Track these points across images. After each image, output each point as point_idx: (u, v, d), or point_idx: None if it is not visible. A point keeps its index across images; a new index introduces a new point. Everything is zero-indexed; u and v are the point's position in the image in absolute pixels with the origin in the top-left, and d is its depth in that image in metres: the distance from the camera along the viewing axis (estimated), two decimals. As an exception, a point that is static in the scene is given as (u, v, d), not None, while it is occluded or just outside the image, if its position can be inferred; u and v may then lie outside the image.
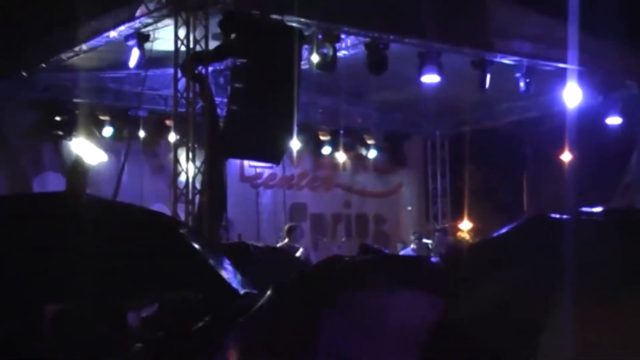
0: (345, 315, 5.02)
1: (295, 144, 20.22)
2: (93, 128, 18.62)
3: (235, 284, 6.75)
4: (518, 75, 17.57)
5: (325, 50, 15.58)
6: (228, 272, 6.87)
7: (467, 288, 4.63)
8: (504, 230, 4.91)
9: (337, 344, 4.95)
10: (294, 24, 14.47)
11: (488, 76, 16.91)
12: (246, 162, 19.96)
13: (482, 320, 4.26)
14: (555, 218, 4.78)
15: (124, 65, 16.14)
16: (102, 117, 18.72)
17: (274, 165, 18.12)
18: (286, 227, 17.14)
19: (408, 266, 5.94)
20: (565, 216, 4.80)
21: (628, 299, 3.96)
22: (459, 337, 4.35)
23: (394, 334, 4.89)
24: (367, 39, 15.94)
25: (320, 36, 15.40)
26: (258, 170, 20.56)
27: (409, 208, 23.44)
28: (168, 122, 17.92)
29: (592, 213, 4.81)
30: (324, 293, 5.16)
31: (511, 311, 4.18)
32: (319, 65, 15.69)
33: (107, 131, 18.67)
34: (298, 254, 15.15)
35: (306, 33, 15.09)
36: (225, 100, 14.88)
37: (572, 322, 3.91)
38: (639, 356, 3.85)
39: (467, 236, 21.13)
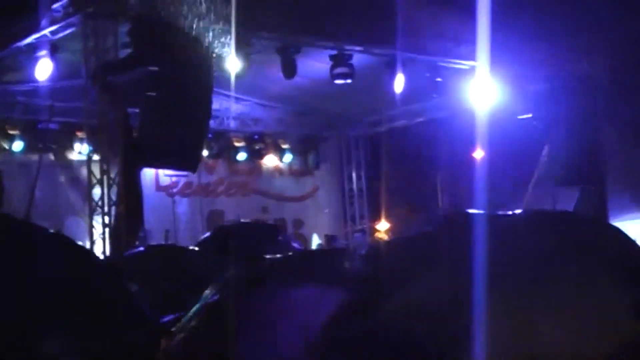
0: (263, 314, 4.99)
1: (210, 151, 20.16)
2: (2, 142, 18.24)
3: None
4: (430, 74, 17.74)
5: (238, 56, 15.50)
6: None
7: (386, 285, 4.62)
8: (423, 227, 4.92)
9: (256, 344, 4.91)
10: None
11: (401, 76, 17.02)
12: (161, 172, 19.75)
13: (401, 317, 4.25)
14: (475, 214, 4.81)
15: (32, 77, 15.81)
16: (11, 132, 18.32)
17: (190, 174, 17.97)
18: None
19: (324, 261, 5.92)
20: (484, 212, 4.83)
21: (549, 296, 3.98)
22: (377, 334, 4.34)
23: (305, 330, 4.87)
24: (279, 44, 15.93)
25: (231, 41, 15.30)
26: (174, 179, 20.36)
27: (326, 211, 23.48)
28: (80, 134, 17.64)
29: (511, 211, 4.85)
30: (246, 294, 5.12)
31: (432, 308, 4.17)
32: (231, 70, 15.60)
33: (18, 145, 18.27)
34: None
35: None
36: (138, 110, 14.69)
37: (492, 318, 3.91)
38: (562, 351, 3.87)
39: (384, 236, 21.22)
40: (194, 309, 5.44)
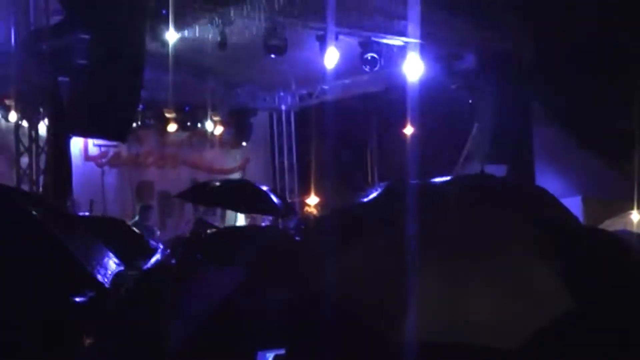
0: (193, 293, 5.01)
1: (140, 121, 20.00)
2: None
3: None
4: (362, 49, 17.80)
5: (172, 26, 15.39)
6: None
7: (325, 259, 4.63)
8: (362, 199, 4.93)
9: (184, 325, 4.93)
10: (139, -1, 14.26)
11: (333, 50, 17.04)
12: (90, 141, 19.56)
13: (337, 288, 4.27)
14: (416, 183, 4.83)
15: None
16: None
17: (119, 143, 17.82)
18: (139, 205, 17.04)
19: (256, 238, 5.94)
20: (426, 181, 4.86)
21: (489, 263, 4.03)
22: (318, 310, 4.36)
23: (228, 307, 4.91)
24: (211, 14, 15.83)
25: (164, 11, 15.17)
26: (103, 149, 20.16)
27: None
28: (8, 102, 17.36)
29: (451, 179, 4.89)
30: (181, 272, 5.13)
31: (372, 280, 4.19)
32: (164, 40, 15.48)
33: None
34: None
35: (150, 8, 14.86)
36: (67, 78, 14.50)
37: (435, 288, 3.95)
38: (504, 318, 3.92)
39: (314, 211, 21.28)
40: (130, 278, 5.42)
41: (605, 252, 4.54)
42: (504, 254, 4.03)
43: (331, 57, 17.10)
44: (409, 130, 22.09)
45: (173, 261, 5.43)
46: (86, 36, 13.71)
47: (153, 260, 5.49)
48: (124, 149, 20.15)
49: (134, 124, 19.57)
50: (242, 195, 13.56)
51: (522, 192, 4.93)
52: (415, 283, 3.92)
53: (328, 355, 4.19)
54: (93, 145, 19.90)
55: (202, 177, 22.33)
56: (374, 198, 4.83)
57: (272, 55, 16.67)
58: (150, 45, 15.37)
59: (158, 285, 5.15)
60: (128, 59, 13.78)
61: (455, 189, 4.52)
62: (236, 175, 22.99)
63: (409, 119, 21.94)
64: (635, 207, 18.99)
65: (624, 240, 5.09)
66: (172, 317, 4.95)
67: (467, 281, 3.90)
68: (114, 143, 18.56)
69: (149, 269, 5.43)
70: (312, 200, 21.95)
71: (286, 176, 23.82)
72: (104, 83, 13.77)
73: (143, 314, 5.12)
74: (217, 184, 14.56)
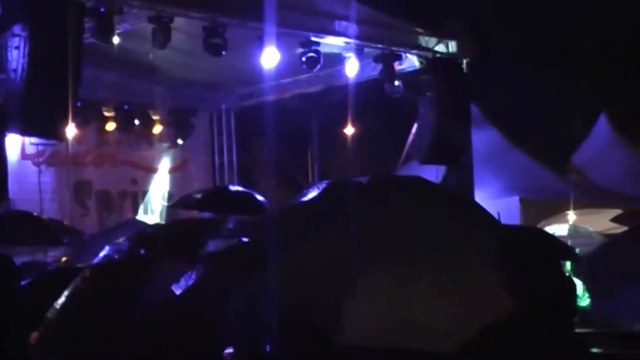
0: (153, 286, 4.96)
1: (79, 120, 19.75)
2: None
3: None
4: (303, 48, 17.80)
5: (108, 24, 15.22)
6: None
7: (268, 257, 4.61)
8: (306, 196, 4.90)
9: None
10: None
11: (273, 50, 17.01)
12: (27, 140, 19.26)
13: (281, 285, 4.24)
14: (357, 181, 4.83)
15: None
16: None
17: (57, 142, 17.59)
18: None
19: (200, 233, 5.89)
20: (366, 180, 4.86)
21: (431, 261, 4.04)
22: (258, 302, 4.33)
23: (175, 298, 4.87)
24: (152, 12, 15.71)
25: (102, 9, 15.02)
26: (40, 148, 19.86)
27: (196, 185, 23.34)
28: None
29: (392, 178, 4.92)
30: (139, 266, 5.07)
31: (315, 278, 4.17)
32: (101, 38, 15.31)
33: None
34: None
35: (88, 5, 14.69)
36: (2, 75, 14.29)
37: (379, 286, 3.95)
38: (444, 314, 3.94)
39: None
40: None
41: (541, 252, 4.59)
42: (446, 255, 4.05)
43: (270, 57, 17.06)
44: (349, 130, 22.17)
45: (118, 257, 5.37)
46: (22, 33, 13.54)
47: (101, 256, 5.42)
48: (61, 148, 19.85)
49: (72, 122, 19.37)
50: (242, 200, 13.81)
51: (455, 195, 4.97)
52: (357, 284, 3.91)
53: (275, 353, 4.17)
54: (30, 143, 19.60)
55: (141, 176, 22.18)
56: (314, 198, 4.82)
57: (212, 55, 16.57)
58: (89, 43, 15.21)
59: (107, 282, 5.09)
60: (65, 56, 13.62)
61: (394, 190, 4.53)
62: (176, 175, 22.88)
63: (349, 118, 22.02)
64: (571, 208, 19.29)
65: (559, 243, 5.17)
66: (124, 314, 4.90)
67: (410, 284, 3.90)
68: (51, 141, 18.29)
69: (96, 265, 5.36)
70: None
71: (226, 176, 23.69)
72: (40, 80, 13.59)
73: (92, 310, 5.07)
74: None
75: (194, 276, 4.98)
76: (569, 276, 5.66)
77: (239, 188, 16.30)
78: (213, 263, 5.07)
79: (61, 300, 5.25)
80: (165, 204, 22.43)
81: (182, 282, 4.98)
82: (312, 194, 4.86)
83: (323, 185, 4.90)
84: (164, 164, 22.69)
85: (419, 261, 4.09)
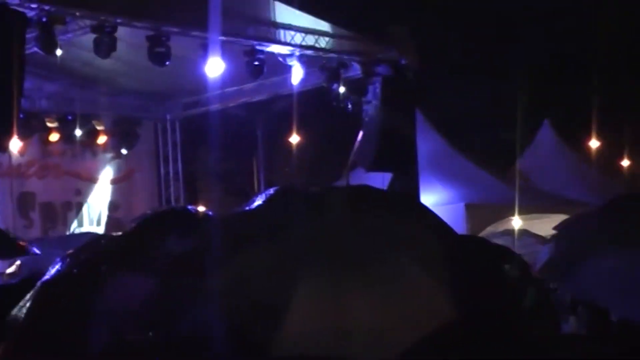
0: (111, 298, 4.90)
1: (21, 131, 19.52)
2: None
3: None
4: (247, 57, 17.78)
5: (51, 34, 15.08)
6: None
7: (206, 265, 4.59)
8: (251, 204, 4.89)
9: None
10: (16, 7, 13.92)
11: (217, 59, 16.96)
12: (-31, 152, 19.04)
13: (220, 297, 4.23)
14: (304, 189, 4.82)
15: None
16: None
17: (2, 153, 17.36)
18: None
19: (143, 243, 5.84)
20: (314, 188, 4.86)
21: (374, 271, 4.04)
22: (194, 314, 4.31)
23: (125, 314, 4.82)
24: (95, 22, 15.59)
25: (44, 19, 14.88)
26: (-18, 159, 19.65)
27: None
28: None
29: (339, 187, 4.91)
30: (94, 275, 4.99)
31: (258, 288, 4.16)
32: (44, 49, 15.16)
33: None
34: None
35: (30, 15, 14.54)
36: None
37: (313, 298, 3.94)
38: (382, 322, 3.93)
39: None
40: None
41: (483, 260, 4.62)
42: (387, 263, 4.05)
43: (215, 66, 17.01)
44: (294, 138, 22.19)
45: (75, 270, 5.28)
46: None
47: (53, 270, 5.33)
48: (4, 159, 19.64)
49: (15, 134, 19.15)
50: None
51: (401, 201, 4.98)
52: (294, 293, 3.91)
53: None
54: (-27, 155, 19.37)
55: (85, 187, 21.99)
56: (258, 206, 4.80)
57: (156, 64, 16.49)
58: (31, 53, 15.07)
59: (62, 295, 5.01)
60: (7, 68, 13.48)
61: (337, 198, 4.53)
62: (122, 185, 22.72)
63: (294, 127, 22.04)
64: (516, 213, 19.48)
65: (501, 248, 5.21)
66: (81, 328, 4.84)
67: (347, 291, 3.90)
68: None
69: (49, 279, 5.26)
70: (199, 209, 21.76)
71: (172, 185, 23.59)
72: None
73: (48, 324, 4.99)
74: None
75: (144, 286, 4.93)
76: (516, 281, 5.69)
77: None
78: (164, 272, 5.02)
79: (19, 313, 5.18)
80: (110, 214, 22.29)
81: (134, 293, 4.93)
82: (257, 202, 4.85)
83: (269, 193, 4.89)
84: (109, 175, 22.54)
85: (357, 269, 4.07)
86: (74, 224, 21.33)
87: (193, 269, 4.70)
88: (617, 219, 6.42)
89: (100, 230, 21.37)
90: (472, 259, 4.51)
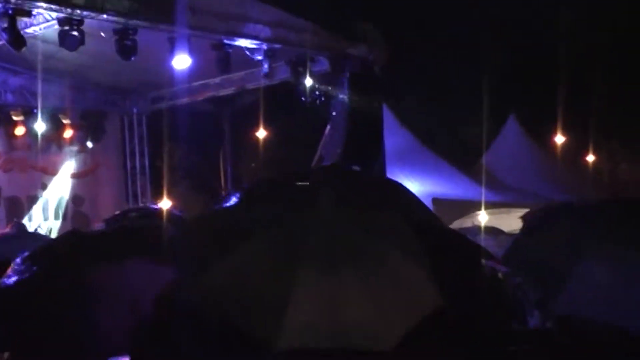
0: (90, 288, 4.89)
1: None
2: None
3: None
4: (214, 52, 17.73)
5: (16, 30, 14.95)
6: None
7: (200, 260, 4.58)
8: (224, 203, 4.88)
9: (83, 318, 4.81)
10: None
11: (183, 53, 16.89)
12: None
13: (216, 292, 4.22)
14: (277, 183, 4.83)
15: None
16: None
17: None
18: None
19: (142, 237, 5.85)
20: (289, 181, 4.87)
21: (362, 264, 4.06)
22: (191, 311, 4.31)
23: (126, 302, 4.83)
24: (61, 15, 15.47)
25: (10, 11, 14.75)
26: (-54, 153, 19.48)
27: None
28: None
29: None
30: (69, 268, 4.99)
31: (246, 285, 4.16)
32: (11, 44, 15.03)
33: None
34: None
35: (-5, 8, 14.41)
36: None
37: (309, 292, 3.96)
38: (378, 319, 3.96)
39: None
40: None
41: (464, 251, 4.67)
42: (376, 253, 4.08)
43: (181, 60, 16.95)
44: (261, 133, 22.17)
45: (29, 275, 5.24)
46: None
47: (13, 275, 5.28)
48: (-31, 154, 19.53)
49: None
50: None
51: (387, 187, 5.00)
52: (290, 287, 3.91)
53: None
54: (-63, 149, 19.21)
55: (51, 181, 21.85)
56: (239, 202, 4.80)
57: (123, 58, 16.40)
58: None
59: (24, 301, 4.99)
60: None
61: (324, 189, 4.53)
62: (88, 179, 22.60)
63: (261, 122, 22.02)
64: (482, 208, 19.59)
65: (476, 244, 5.27)
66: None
67: (341, 283, 3.92)
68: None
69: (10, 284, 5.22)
70: (165, 204, 21.69)
71: (138, 180, 23.49)
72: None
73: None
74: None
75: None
76: (489, 276, 5.74)
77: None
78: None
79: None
80: (76, 208, 22.16)
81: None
82: (232, 199, 4.86)
83: (241, 190, 4.90)
84: (75, 168, 22.40)
85: (351, 260, 4.11)
86: (40, 218, 21.15)
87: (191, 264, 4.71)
88: (600, 221, 6.44)
89: (67, 224, 21.26)
90: (452, 252, 4.57)
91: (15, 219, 19.18)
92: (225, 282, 4.21)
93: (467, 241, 5.02)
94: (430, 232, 4.74)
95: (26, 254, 5.43)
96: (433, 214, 5.09)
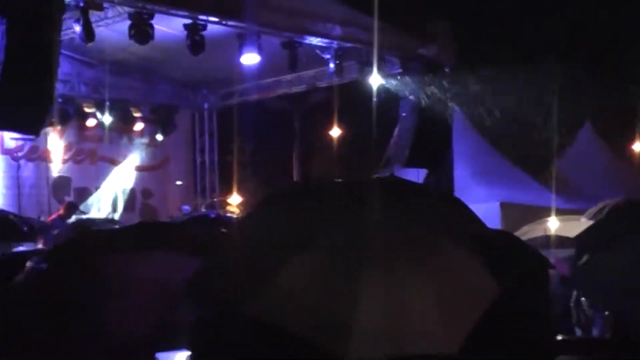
0: (106, 280, 4.84)
1: (58, 115, 19.64)
2: None
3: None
4: (285, 49, 17.73)
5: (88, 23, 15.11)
6: None
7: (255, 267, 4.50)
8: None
9: (100, 312, 4.76)
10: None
11: (253, 50, 16.91)
12: (7, 134, 19.15)
13: (280, 305, 4.12)
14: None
15: None
16: None
17: (34, 137, 17.44)
18: (68, 201, 16.99)
19: (166, 230, 5.81)
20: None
21: (430, 264, 3.93)
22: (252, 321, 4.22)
23: (150, 292, 4.77)
24: (132, 9, 15.61)
25: (82, 4, 14.91)
26: (19, 142, 19.74)
27: (179, 183, 23.20)
28: None
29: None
30: (84, 261, 4.94)
31: (312, 294, 4.05)
32: (81, 35, 15.20)
33: None
34: None
35: (67, 1, 14.56)
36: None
37: (375, 298, 3.84)
38: (443, 320, 3.83)
39: (236, 210, 21.10)
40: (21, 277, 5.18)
41: (514, 259, 4.53)
42: (436, 251, 3.96)
43: (250, 57, 16.99)
44: (331, 131, 22.11)
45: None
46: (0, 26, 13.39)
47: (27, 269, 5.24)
48: (41, 143, 19.77)
49: (52, 118, 19.25)
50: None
51: (440, 195, 4.88)
52: (354, 295, 3.80)
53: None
54: (10, 138, 19.50)
55: (120, 174, 22.04)
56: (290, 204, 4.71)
57: (193, 53, 16.48)
58: (69, 38, 15.13)
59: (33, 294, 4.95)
60: (42, 52, 13.49)
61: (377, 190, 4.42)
62: (157, 173, 22.78)
63: (332, 120, 21.97)
64: (552, 214, 19.21)
65: (531, 249, 5.12)
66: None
67: (404, 286, 3.80)
68: (29, 137, 18.15)
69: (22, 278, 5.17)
70: (234, 199, 21.75)
71: (207, 175, 23.62)
72: (16, 75, 13.44)
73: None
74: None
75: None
76: (539, 284, 5.58)
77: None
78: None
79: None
80: (144, 201, 22.37)
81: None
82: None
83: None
84: (144, 162, 22.59)
85: (408, 263, 3.97)
86: (108, 210, 21.36)
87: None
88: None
89: (135, 216, 21.44)
90: (505, 255, 4.42)
91: (67, 198, 19.45)
92: (288, 291, 4.08)
93: (524, 247, 4.88)
94: (491, 241, 4.58)
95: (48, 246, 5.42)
96: (493, 229, 4.93)
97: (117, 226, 11.21)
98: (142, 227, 5.82)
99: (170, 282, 4.78)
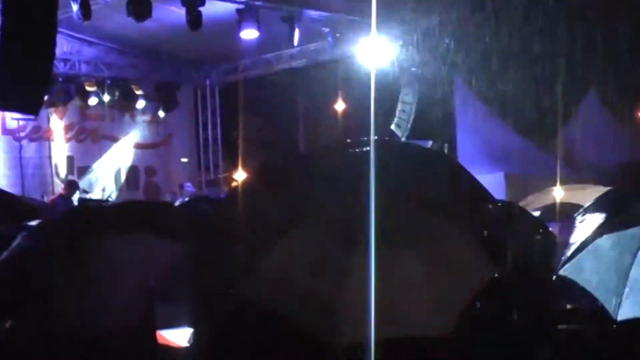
0: (85, 262, 4.81)
1: (60, 94, 19.61)
2: None
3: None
4: (287, 23, 17.65)
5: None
6: None
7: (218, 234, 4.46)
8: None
9: (77, 292, 4.73)
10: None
11: (254, 25, 16.84)
12: (8, 114, 19.10)
13: (271, 290, 4.10)
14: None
15: None
16: None
17: (34, 117, 17.40)
18: (68, 180, 16.94)
19: (152, 211, 5.78)
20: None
21: (423, 244, 3.90)
22: (247, 304, 4.20)
23: (131, 276, 4.75)
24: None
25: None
26: (21, 122, 19.69)
27: (185, 160, 23.16)
28: None
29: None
30: (66, 241, 4.91)
31: (302, 277, 4.01)
32: (78, 13, 15.11)
33: None
34: None
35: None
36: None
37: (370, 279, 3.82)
38: (436, 305, 3.81)
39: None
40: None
41: (519, 223, 4.51)
42: (429, 232, 3.92)
43: (250, 32, 16.92)
44: (339, 105, 22.07)
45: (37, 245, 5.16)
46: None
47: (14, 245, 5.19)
48: (43, 123, 19.75)
49: (54, 97, 19.24)
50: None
51: (440, 162, 4.84)
52: (344, 277, 3.77)
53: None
54: (11, 118, 19.46)
55: (123, 152, 22.00)
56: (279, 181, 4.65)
57: (192, 29, 16.39)
58: (68, 16, 15.05)
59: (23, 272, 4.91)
60: (39, 30, 13.40)
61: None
62: (161, 150, 22.75)
63: (335, 94, 21.91)
64: (557, 184, 19.12)
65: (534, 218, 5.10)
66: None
67: (396, 267, 3.77)
68: (29, 116, 18.10)
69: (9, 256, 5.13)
70: (240, 175, 21.67)
71: (210, 151, 23.57)
72: (12, 54, 13.36)
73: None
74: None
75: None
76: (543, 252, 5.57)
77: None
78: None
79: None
80: (148, 179, 22.34)
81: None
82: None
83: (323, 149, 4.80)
84: (147, 139, 22.55)
85: (402, 243, 3.95)
86: (112, 188, 21.34)
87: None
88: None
89: (139, 194, 21.44)
90: (507, 224, 4.39)
91: (69, 176, 19.42)
92: (279, 275, 4.04)
93: (527, 215, 4.87)
94: (483, 205, 4.57)
95: (35, 224, 5.38)
96: (485, 190, 4.89)
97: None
98: (128, 207, 5.81)
99: (154, 266, 4.76)
